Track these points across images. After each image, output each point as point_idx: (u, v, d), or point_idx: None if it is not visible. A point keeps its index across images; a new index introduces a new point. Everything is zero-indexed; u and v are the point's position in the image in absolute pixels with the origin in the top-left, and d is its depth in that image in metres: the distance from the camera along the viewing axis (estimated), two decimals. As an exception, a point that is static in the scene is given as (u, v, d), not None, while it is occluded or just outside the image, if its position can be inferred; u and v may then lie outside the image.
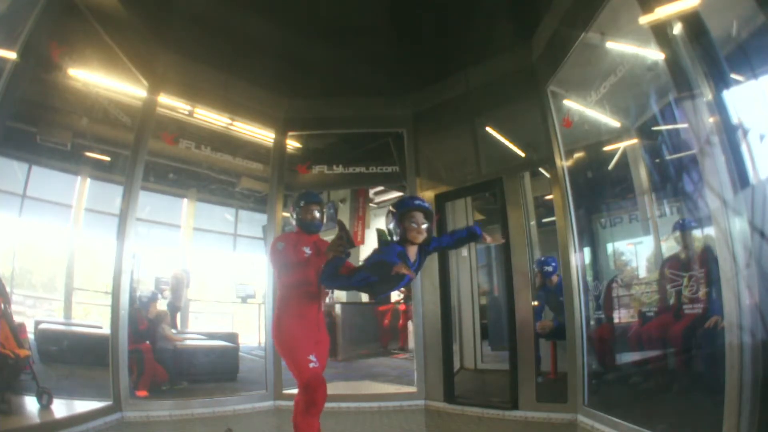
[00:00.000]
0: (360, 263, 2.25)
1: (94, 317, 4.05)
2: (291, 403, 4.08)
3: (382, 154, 4.81)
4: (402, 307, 7.13)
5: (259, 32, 3.68)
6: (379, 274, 2.03)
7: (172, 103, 4.16)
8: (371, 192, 9.82)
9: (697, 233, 2.69)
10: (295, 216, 2.61)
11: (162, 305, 4.95)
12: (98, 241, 3.99)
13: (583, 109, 3.40)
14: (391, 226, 2.16)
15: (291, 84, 4.44)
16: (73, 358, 3.60)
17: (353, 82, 4.43)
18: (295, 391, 4.39)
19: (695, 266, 2.67)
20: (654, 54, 2.53)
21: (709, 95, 2.10)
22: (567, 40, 3.21)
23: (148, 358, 3.92)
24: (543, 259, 4.45)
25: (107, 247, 3.65)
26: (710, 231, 2.57)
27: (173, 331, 4.39)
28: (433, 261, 4.34)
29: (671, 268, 2.83)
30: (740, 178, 2.01)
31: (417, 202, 2.18)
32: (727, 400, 1.97)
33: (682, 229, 2.80)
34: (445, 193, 4.43)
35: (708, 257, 2.59)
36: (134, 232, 3.67)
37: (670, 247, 2.90)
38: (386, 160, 4.76)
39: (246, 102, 4.47)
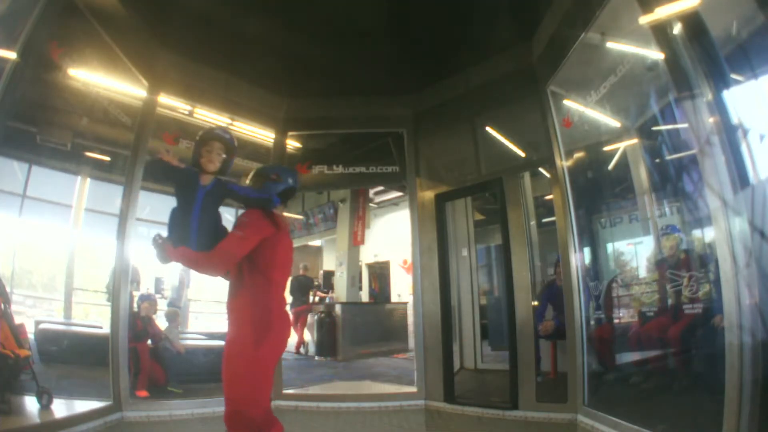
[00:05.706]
0: None
1: (94, 317, 4.04)
2: (291, 403, 4.11)
3: (382, 154, 4.81)
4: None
5: (259, 32, 3.68)
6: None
7: (172, 103, 4.16)
8: (371, 192, 9.83)
9: (696, 234, 2.71)
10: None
11: (162, 305, 4.95)
12: (98, 241, 3.99)
13: (583, 109, 3.40)
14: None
15: (291, 84, 4.44)
16: (73, 358, 3.59)
17: (353, 82, 4.42)
18: (296, 390, 4.42)
19: (683, 268, 2.69)
20: (654, 54, 2.53)
21: (709, 95, 2.10)
22: (567, 40, 3.20)
23: (143, 357, 3.92)
24: None
25: (107, 247, 3.65)
26: (699, 233, 2.61)
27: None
28: (433, 261, 4.34)
29: (668, 268, 2.84)
30: (740, 178, 2.01)
31: (217, 132, 2.08)
32: (727, 400, 1.97)
33: (664, 234, 2.85)
34: (445, 193, 4.43)
35: (700, 258, 2.60)
36: (134, 232, 3.66)
37: (665, 247, 2.92)
38: (386, 160, 4.76)
39: (246, 102, 4.46)
